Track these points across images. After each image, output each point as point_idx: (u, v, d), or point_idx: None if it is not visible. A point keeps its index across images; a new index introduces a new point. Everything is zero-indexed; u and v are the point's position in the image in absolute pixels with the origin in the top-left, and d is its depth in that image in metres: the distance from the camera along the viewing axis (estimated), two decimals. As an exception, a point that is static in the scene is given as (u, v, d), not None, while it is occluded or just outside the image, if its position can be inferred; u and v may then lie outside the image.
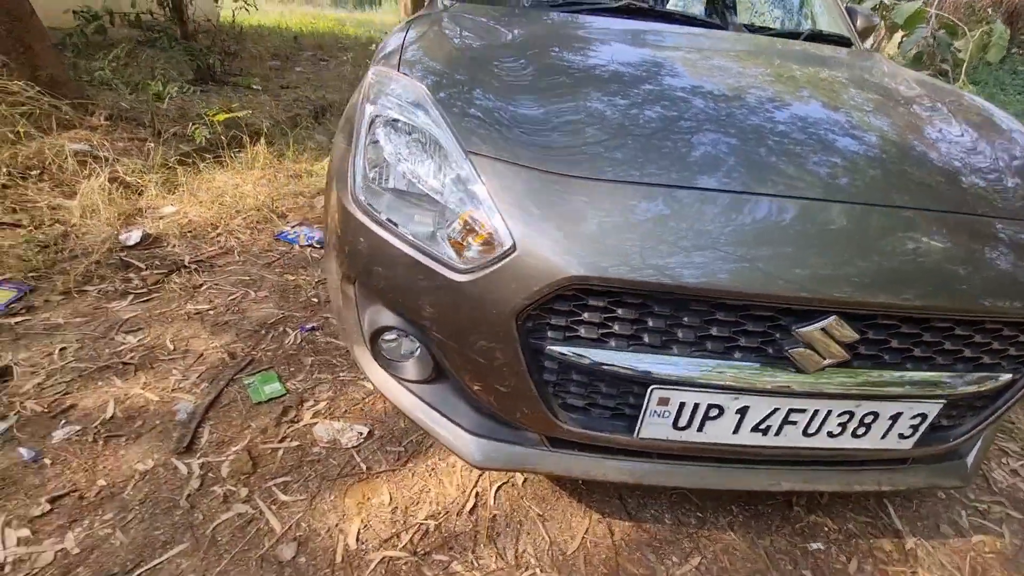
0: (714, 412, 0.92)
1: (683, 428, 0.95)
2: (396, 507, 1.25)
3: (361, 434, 1.43)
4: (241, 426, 1.42)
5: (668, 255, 0.81)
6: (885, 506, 1.39)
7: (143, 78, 4.11)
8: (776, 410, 0.93)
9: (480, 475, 1.35)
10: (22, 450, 1.27)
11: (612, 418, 0.97)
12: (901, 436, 0.99)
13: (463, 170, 0.90)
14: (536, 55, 1.26)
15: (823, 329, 0.84)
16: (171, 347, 1.67)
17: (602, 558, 1.19)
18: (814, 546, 1.26)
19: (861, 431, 0.97)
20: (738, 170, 0.93)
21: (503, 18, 1.56)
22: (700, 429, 0.95)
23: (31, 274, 1.91)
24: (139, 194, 2.57)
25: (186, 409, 1.44)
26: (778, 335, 0.87)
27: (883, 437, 0.99)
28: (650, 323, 0.86)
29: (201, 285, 2.01)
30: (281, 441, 1.39)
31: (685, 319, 0.86)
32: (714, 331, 0.86)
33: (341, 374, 1.64)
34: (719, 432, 0.95)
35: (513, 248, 0.83)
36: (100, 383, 1.50)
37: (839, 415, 0.94)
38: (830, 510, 1.36)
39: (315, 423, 1.45)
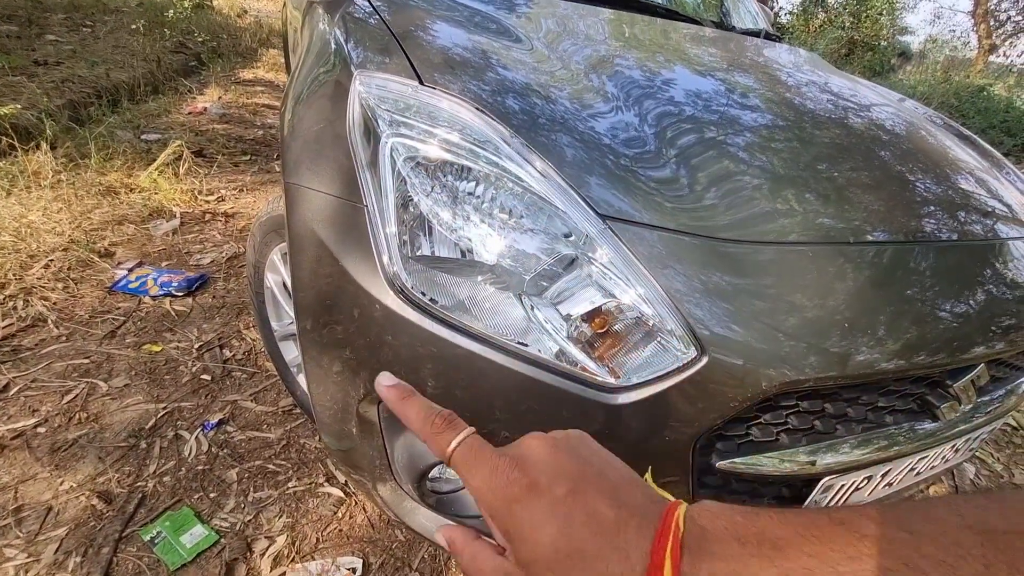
0: (863, 483, 0.82)
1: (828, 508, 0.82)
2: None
3: (354, 571, 1.06)
4: (167, 616, 0.94)
5: (873, 332, 0.65)
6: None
7: None
8: (912, 464, 0.85)
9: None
10: None
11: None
12: None
13: (601, 248, 0.61)
14: (610, 66, 1.01)
15: (971, 379, 0.78)
16: (-11, 509, 1.05)
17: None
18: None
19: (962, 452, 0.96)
20: (894, 215, 0.81)
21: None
22: (842, 503, 0.83)
23: None
24: None
25: (57, 616, 0.90)
26: (928, 393, 0.79)
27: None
28: (830, 411, 0.70)
29: (7, 386, 1.32)
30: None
31: (862, 399, 0.72)
32: (882, 403, 0.74)
33: (289, 484, 1.20)
34: (857, 499, 0.85)
35: (700, 353, 0.59)
36: None
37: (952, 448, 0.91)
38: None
39: (283, 574, 1.03)
